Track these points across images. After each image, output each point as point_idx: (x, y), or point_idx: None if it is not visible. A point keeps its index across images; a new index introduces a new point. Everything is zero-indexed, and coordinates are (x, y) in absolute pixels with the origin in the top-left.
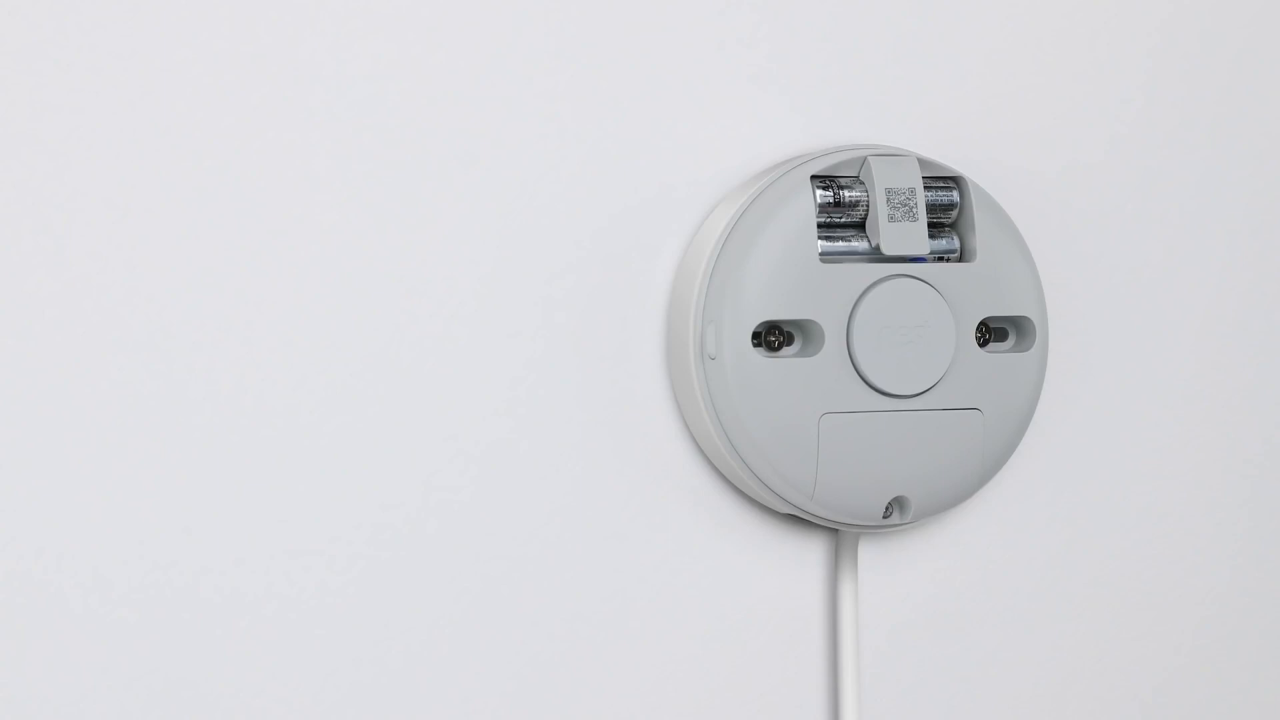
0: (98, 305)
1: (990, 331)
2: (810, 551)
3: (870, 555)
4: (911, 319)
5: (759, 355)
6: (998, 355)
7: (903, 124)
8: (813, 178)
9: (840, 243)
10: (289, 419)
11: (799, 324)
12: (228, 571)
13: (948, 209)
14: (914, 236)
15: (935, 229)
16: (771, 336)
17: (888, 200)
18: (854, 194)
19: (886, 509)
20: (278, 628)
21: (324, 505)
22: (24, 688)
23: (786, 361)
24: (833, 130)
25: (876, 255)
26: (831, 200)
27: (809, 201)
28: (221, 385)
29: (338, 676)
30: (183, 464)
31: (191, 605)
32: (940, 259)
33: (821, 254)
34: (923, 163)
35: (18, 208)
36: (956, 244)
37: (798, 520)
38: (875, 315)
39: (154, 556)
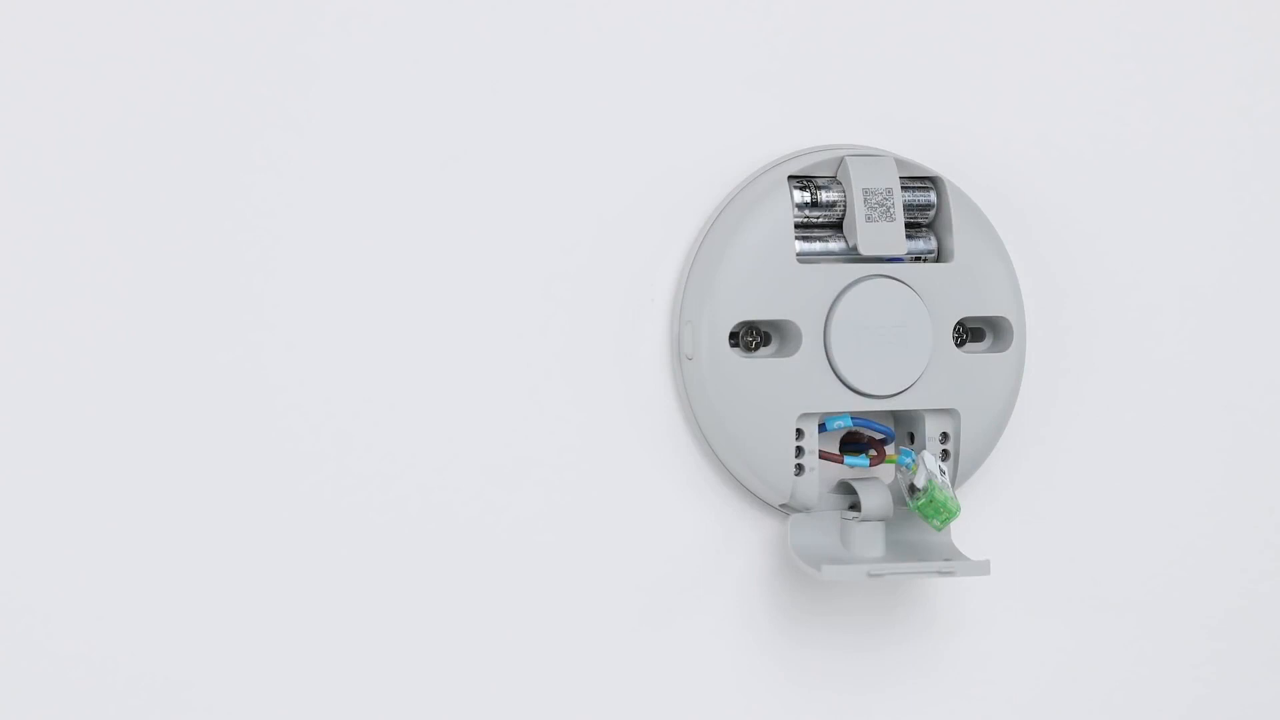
0: (98, 305)
1: (967, 332)
2: None
3: None
4: (889, 319)
5: (736, 355)
6: (975, 355)
7: (880, 125)
8: (790, 178)
9: (817, 243)
10: (289, 419)
11: (776, 324)
12: (227, 571)
13: (925, 209)
14: (891, 237)
15: (912, 229)
16: (749, 337)
17: (865, 200)
18: (831, 194)
19: None
20: (277, 627)
21: (323, 504)
22: (24, 688)
23: (764, 362)
24: (810, 130)
25: (854, 255)
26: (809, 200)
27: (786, 202)
28: (221, 386)
29: (338, 676)
30: (183, 463)
31: (191, 605)
32: (917, 259)
33: (799, 254)
34: (900, 163)
35: (17, 207)
36: (934, 244)
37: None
38: (852, 315)
39: (154, 557)
